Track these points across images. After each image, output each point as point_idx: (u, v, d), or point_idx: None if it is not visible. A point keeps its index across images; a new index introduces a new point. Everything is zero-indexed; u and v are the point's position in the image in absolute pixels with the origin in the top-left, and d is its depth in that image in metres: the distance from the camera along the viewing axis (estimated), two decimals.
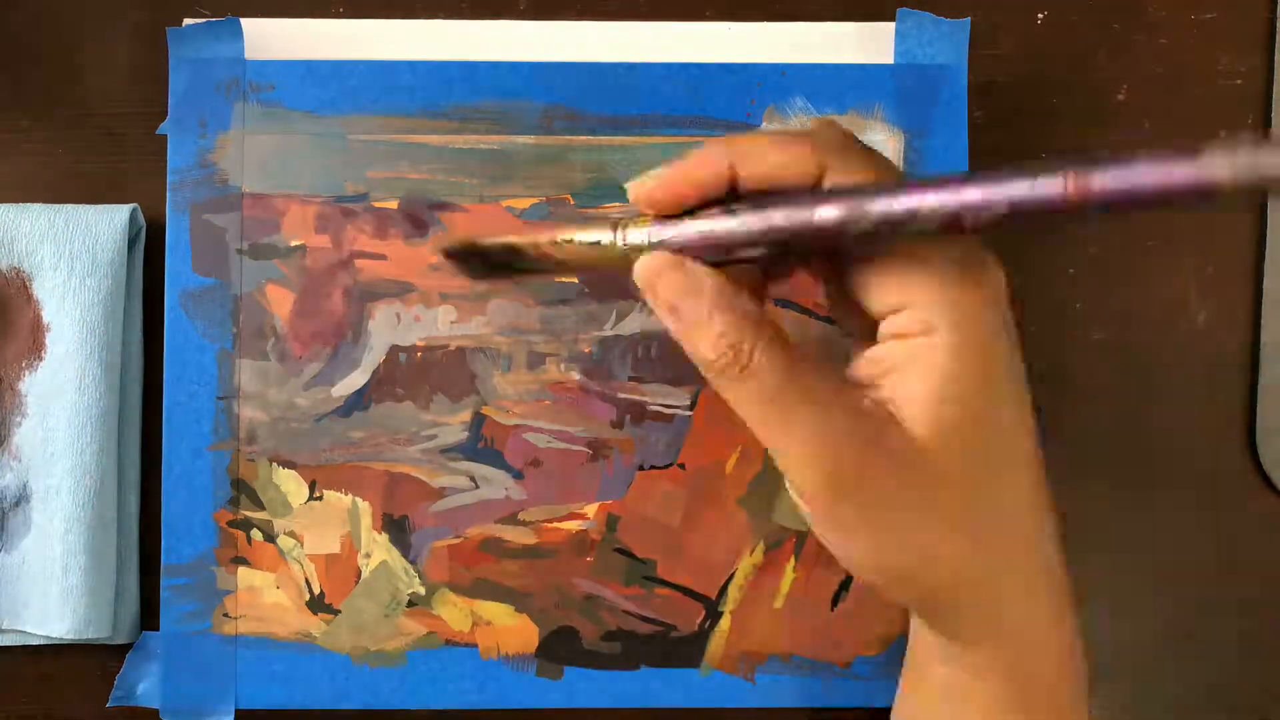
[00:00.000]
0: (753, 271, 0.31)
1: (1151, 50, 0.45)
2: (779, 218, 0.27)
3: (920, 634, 0.33)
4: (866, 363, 0.29)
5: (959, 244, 0.28)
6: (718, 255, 0.29)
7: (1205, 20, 0.45)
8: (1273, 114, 0.44)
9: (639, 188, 0.29)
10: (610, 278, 0.43)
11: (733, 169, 0.28)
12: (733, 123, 0.43)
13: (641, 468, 0.43)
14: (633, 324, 0.43)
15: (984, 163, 0.44)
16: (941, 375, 0.27)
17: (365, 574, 0.43)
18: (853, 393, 0.28)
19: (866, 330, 0.30)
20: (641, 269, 0.29)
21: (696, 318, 0.28)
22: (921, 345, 0.28)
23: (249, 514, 0.43)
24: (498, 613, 0.43)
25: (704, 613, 0.43)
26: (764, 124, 0.43)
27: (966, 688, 0.32)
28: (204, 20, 0.43)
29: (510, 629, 0.43)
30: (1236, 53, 0.45)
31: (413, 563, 0.43)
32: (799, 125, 0.30)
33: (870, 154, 0.29)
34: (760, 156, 0.28)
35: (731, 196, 0.29)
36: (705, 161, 0.28)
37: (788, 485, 0.30)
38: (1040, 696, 0.31)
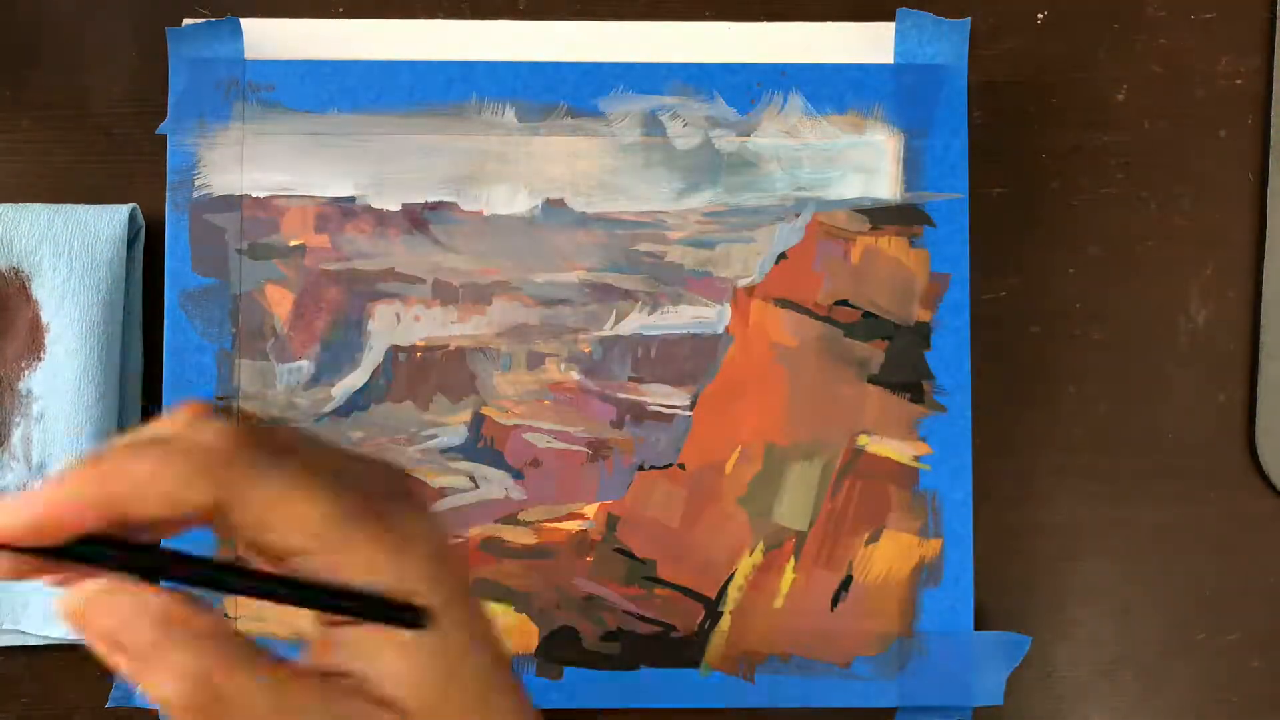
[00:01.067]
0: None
1: (1151, 50, 0.45)
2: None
3: None
4: (334, 647, 0.25)
5: (393, 518, 0.25)
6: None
7: (1205, 20, 0.45)
8: (1272, 114, 0.44)
9: None
10: (603, 285, 0.43)
11: (112, 511, 0.23)
12: (733, 122, 0.43)
13: (641, 468, 0.43)
14: (633, 324, 0.43)
15: (984, 163, 0.44)
16: (404, 649, 0.24)
17: None
18: (346, 693, 0.24)
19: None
20: (66, 603, 0.23)
21: (146, 652, 0.23)
22: (388, 635, 0.24)
23: None
24: (498, 612, 0.43)
25: (704, 613, 0.43)
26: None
27: None
28: (204, 20, 0.43)
29: (510, 629, 0.43)
30: (1236, 53, 0.45)
31: None
32: (195, 421, 0.24)
33: (280, 460, 0.24)
34: (145, 491, 0.23)
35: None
36: (72, 507, 0.23)
37: None
38: None
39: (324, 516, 0.24)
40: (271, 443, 0.24)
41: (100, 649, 0.23)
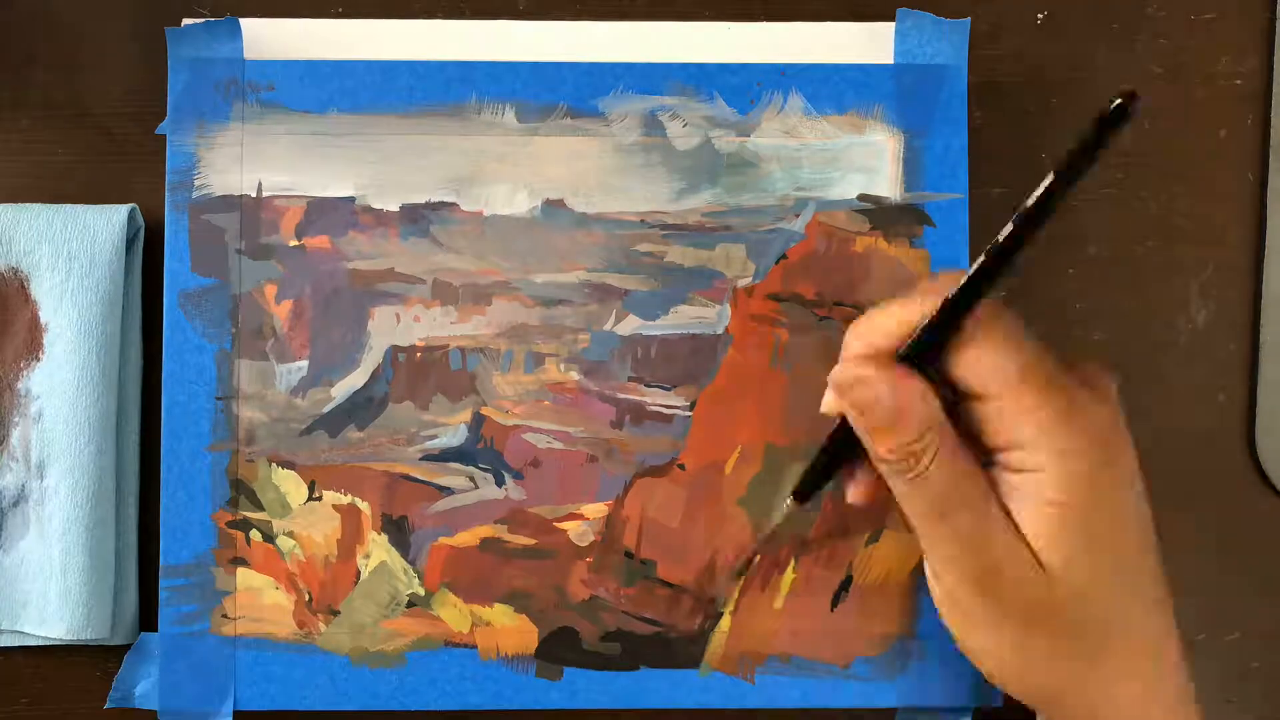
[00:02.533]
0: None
1: (1151, 50, 0.45)
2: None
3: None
4: (1003, 482, 0.32)
5: (1062, 391, 0.31)
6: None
7: (1205, 20, 0.45)
8: (1272, 114, 0.44)
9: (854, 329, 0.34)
10: (603, 285, 0.43)
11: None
12: (733, 122, 0.43)
13: (641, 468, 0.43)
14: (632, 324, 0.43)
15: (984, 163, 0.44)
16: (1051, 508, 0.31)
17: (364, 575, 0.43)
18: (1001, 506, 0.32)
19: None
20: (837, 375, 0.33)
21: (879, 423, 0.31)
22: (1032, 479, 0.31)
23: (248, 515, 0.43)
24: (497, 613, 0.43)
25: (704, 613, 0.43)
26: (762, 123, 0.43)
27: None
28: (203, 20, 0.43)
29: (510, 629, 0.43)
30: (1236, 53, 0.45)
31: (412, 563, 0.43)
32: None
33: (1006, 336, 0.32)
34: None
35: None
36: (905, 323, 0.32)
37: (927, 572, 0.34)
38: None
39: (1020, 370, 0.31)
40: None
41: (850, 413, 0.32)
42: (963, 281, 0.31)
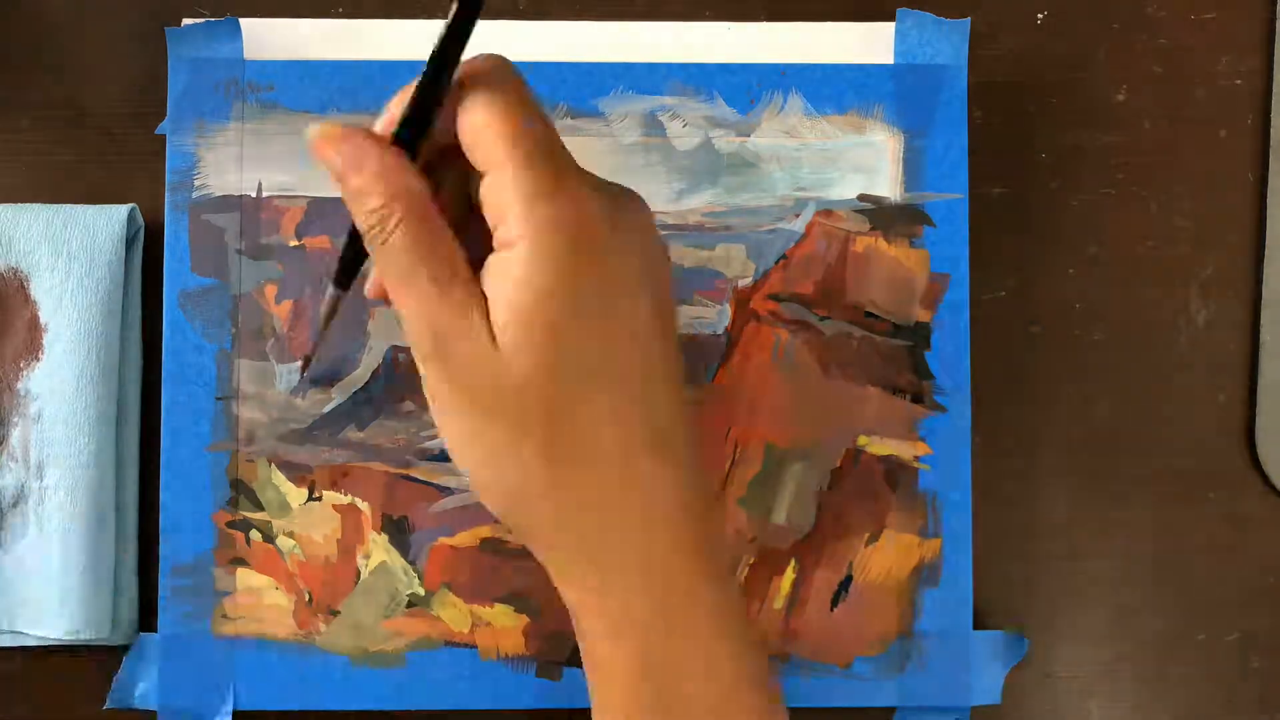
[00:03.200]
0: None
1: (1151, 50, 0.45)
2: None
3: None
4: (484, 267, 0.31)
5: (553, 169, 0.30)
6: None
7: (1205, 20, 0.45)
8: (1272, 114, 0.44)
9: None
10: None
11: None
12: (733, 122, 0.43)
13: None
14: None
15: (984, 163, 0.44)
16: (512, 284, 0.29)
17: (364, 575, 0.43)
18: (469, 282, 0.30)
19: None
20: (314, 134, 0.31)
21: (357, 187, 0.30)
22: (504, 257, 0.29)
23: (248, 515, 0.42)
24: (497, 613, 0.43)
25: None
26: (762, 121, 0.43)
27: (574, 616, 0.32)
28: (203, 20, 0.43)
29: (510, 629, 0.43)
30: (1236, 53, 0.45)
31: (412, 563, 0.43)
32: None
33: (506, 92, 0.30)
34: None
35: None
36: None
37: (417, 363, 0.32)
38: (635, 632, 0.31)
39: (510, 142, 0.29)
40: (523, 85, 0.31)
41: (331, 176, 0.30)
42: (424, 69, 0.31)
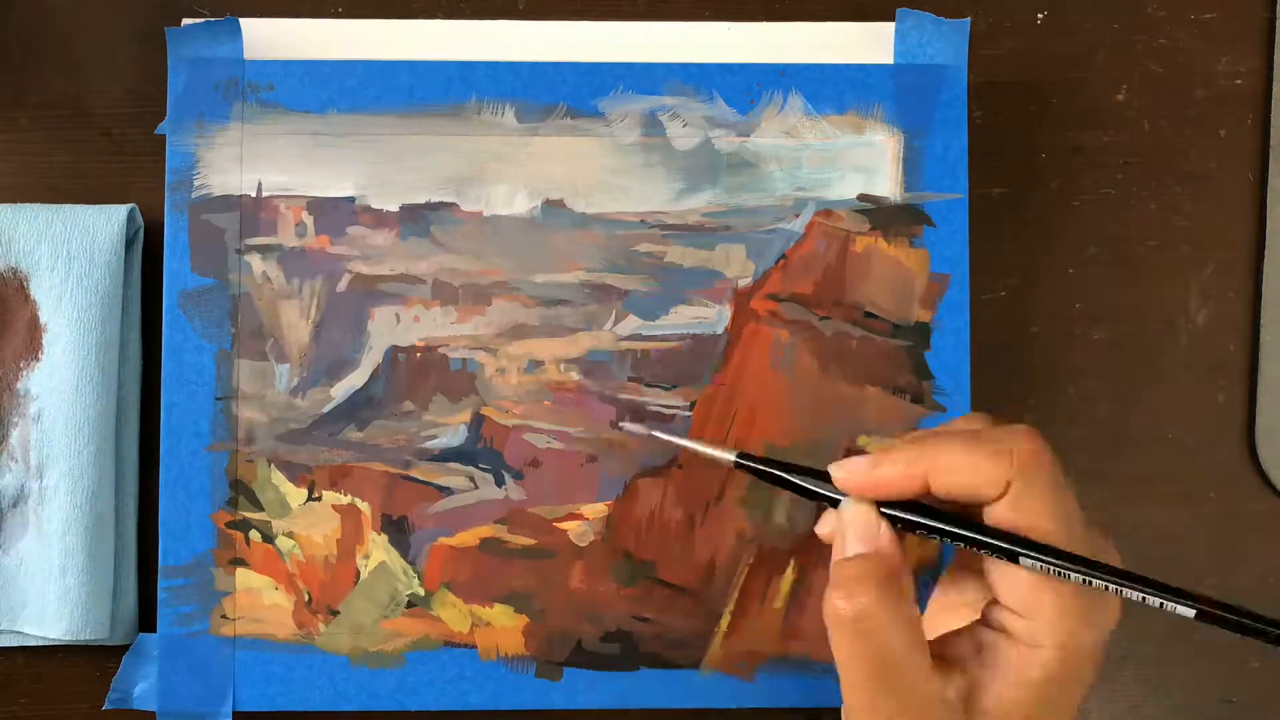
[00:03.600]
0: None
1: (1151, 50, 0.45)
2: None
3: None
4: (967, 636, 0.32)
5: (1091, 592, 0.31)
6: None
7: (1205, 20, 0.45)
8: (1272, 114, 0.44)
9: (844, 478, 0.34)
10: (602, 285, 0.43)
11: (927, 478, 0.32)
12: (733, 122, 0.43)
13: (641, 468, 0.43)
14: (632, 324, 0.43)
15: (984, 163, 0.44)
16: (1032, 690, 0.30)
17: (364, 575, 0.43)
18: (938, 680, 0.31)
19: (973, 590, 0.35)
20: (844, 514, 0.34)
21: (842, 579, 0.32)
22: (1022, 653, 0.31)
23: (247, 515, 0.42)
24: (497, 613, 0.43)
25: (704, 612, 0.43)
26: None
27: None
28: (203, 20, 0.43)
29: (509, 630, 0.43)
30: (1236, 53, 0.45)
31: (412, 563, 0.43)
32: (988, 425, 0.34)
33: (1055, 485, 0.32)
34: (955, 473, 0.31)
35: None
36: (905, 475, 0.32)
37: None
38: None
39: (1057, 533, 0.31)
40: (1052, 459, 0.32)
41: (835, 541, 0.34)
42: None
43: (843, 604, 0.32)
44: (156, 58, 0.43)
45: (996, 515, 0.31)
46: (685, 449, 0.40)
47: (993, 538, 0.32)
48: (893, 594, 0.32)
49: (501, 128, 0.43)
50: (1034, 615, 0.31)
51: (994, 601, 0.33)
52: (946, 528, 0.32)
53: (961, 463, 0.31)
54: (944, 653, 0.33)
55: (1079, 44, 0.45)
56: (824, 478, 0.35)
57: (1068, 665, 0.30)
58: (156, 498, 0.42)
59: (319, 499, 0.43)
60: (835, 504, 0.35)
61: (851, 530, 0.33)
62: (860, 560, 0.32)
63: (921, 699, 0.31)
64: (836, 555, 0.34)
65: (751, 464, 0.37)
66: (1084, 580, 0.30)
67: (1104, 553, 0.32)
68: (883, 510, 0.34)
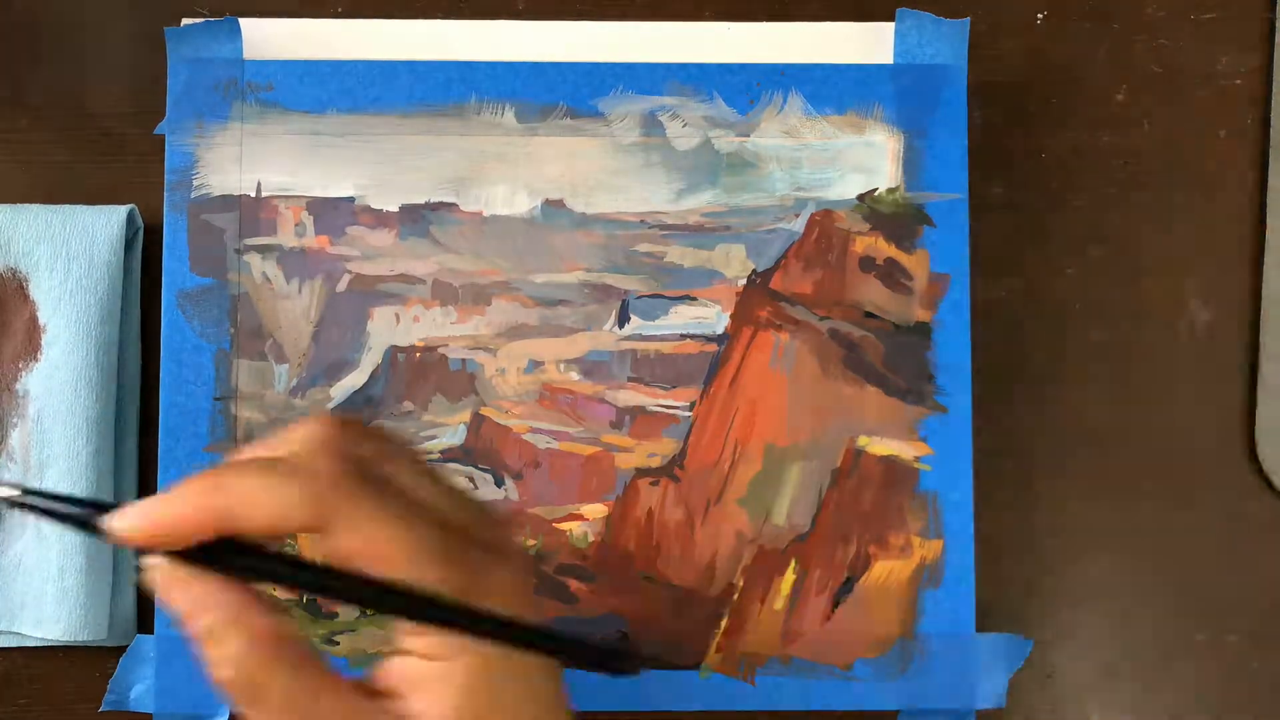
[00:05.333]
0: None
1: (1151, 50, 0.45)
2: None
3: None
4: (392, 672, 0.28)
5: (466, 564, 0.27)
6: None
7: (1205, 20, 0.45)
8: (1272, 114, 0.44)
9: (119, 526, 0.26)
10: (602, 285, 0.43)
11: (226, 516, 0.26)
12: (733, 122, 0.43)
13: (641, 469, 0.43)
14: (632, 324, 0.43)
15: (984, 163, 0.44)
16: (463, 694, 0.27)
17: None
18: (375, 712, 0.27)
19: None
20: (152, 579, 0.27)
21: (210, 635, 0.26)
22: (443, 667, 0.27)
23: None
24: None
25: (704, 613, 0.43)
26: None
27: None
28: (202, 20, 0.43)
29: None
30: (1236, 53, 0.45)
31: None
32: (309, 443, 0.27)
33: (379, 496, 0.27)
34: (256, 506, 0.26)
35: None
36: (193, 514, 0.26)
37: None
38: None
39: (408, 557, 0.26)
40: (376, 474, 0.27)
41: (171, 616, 0.27)
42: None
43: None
44: (156, 58, 0.43)
45: (332, 550, 0.26)
46: None
47: (340, 575, 0.27)
48: (277, 668, 0.27)
49: (501, 128, 0.43)
50: (406, 689, 0.27)
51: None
52: (276, 567, 0.27)
53: (259, 489, 0.26)
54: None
55: (1079, 44, 0.45)
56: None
57: (478, 663, 0.27)
58: None
59: None
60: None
61: (178, 599, 0.26)
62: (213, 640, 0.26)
63: None
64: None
65: (29, 501, 0.28)
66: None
67: (483, 569, 0.28)
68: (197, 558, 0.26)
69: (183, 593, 0.26)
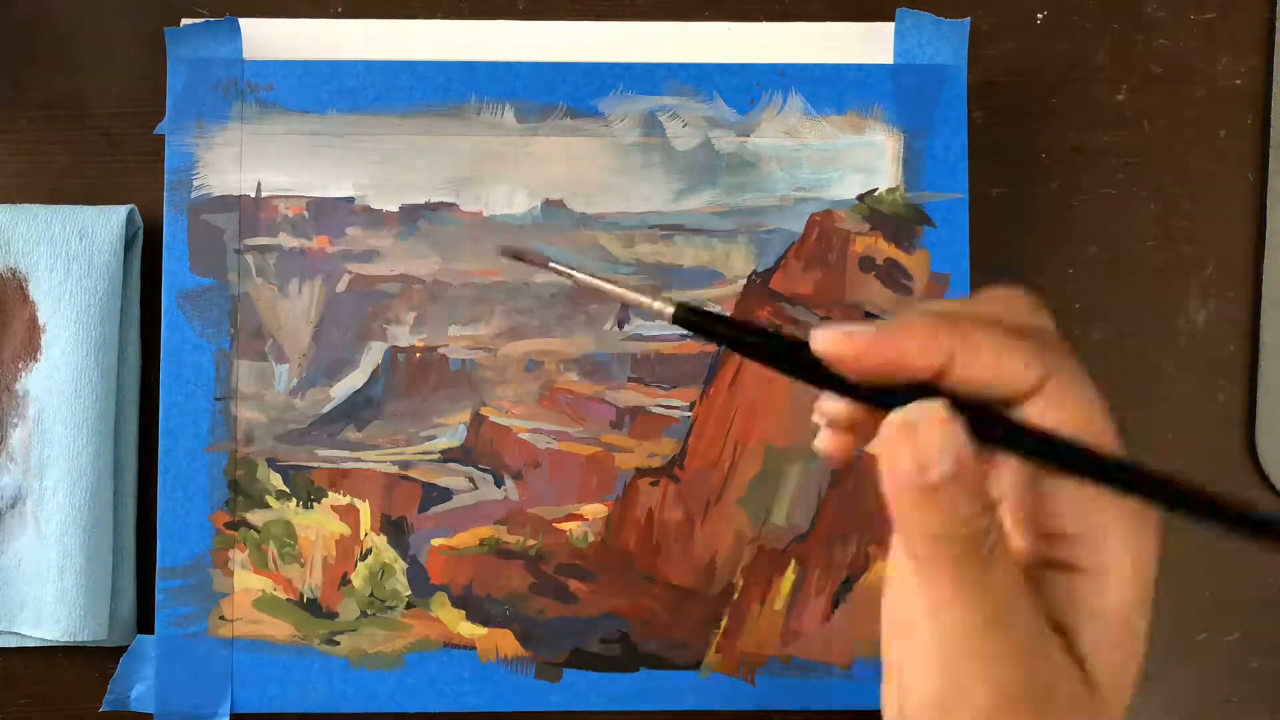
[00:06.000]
0: None
1: (1151, 50, 0.45)
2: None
3: None
4: (1046, 581, 0.26)
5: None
6: None
7: (1205, 20, 0.45)
8: (1272, 114, 0.44)
9: (830, 341, 0.24)
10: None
11: (951, 359, 0.24)
12: (732, 122, 0.43)
13: (640, 469, 0.43)
14: (632, 325, 0.43)
15: (984, 163, 0.44)
16: (1109, 621, 0.25)
17: (363, 576, 0.42)
18: (1046, 614, 0.26)
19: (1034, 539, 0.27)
20: (903, 414, 0.24)
21: (945, 485, 0.24)
22: (1089, 583, 0.25)
23: (246, 515, 0.42)
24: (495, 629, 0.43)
25: (704, 613, 0.43)
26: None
27: None
28: (202, 20, 0.43)
29: (509, 631, 0.43)
30: (1236, 53, 0.45)
31: (411, 564, 0.43)
32: (1016, 301, 0.26)
33: (1080, 376, 0.25)
34: (982, 358, 0.24)
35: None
36: (924, 349, 0.24)
37: (890, 694, 0.27)
38: None
39: (1111, 430, 0.25)
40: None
41: (896, 462, 0.24)
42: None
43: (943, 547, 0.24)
44: (156, 58, 0.43)
45: (1030, 416, 0.25)
46: (611, 294, 0.29)
47: (1065, 447, 0.24)
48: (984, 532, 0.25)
49: (501, 128, 0.43)
50: (1087, 532, 0.25)
51: (1047, 535, 0.26)
52: (1028, 440, 0.25)
53: (988, 338, 0.24)
54: None
55: (1079, 44, 0.45)
56: (800, 347, 0.25)
57: (1143, 585, 0.25)
58: (155, 498, 0.42)
59: (318, 500, 0.42)
60: (845, 390, 0.25)
61: (927, 438, 0.24)
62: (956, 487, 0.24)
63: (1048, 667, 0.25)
64: (900, 475, 0.25)
65: (696, 318, 0.26)
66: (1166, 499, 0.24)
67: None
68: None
69: (938, 433, 0.24)
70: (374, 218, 0.43)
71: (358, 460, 0.43)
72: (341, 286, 0.43)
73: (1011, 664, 0.24)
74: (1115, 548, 0.25)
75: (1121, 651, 0.25)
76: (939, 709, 0.25)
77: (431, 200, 0.43)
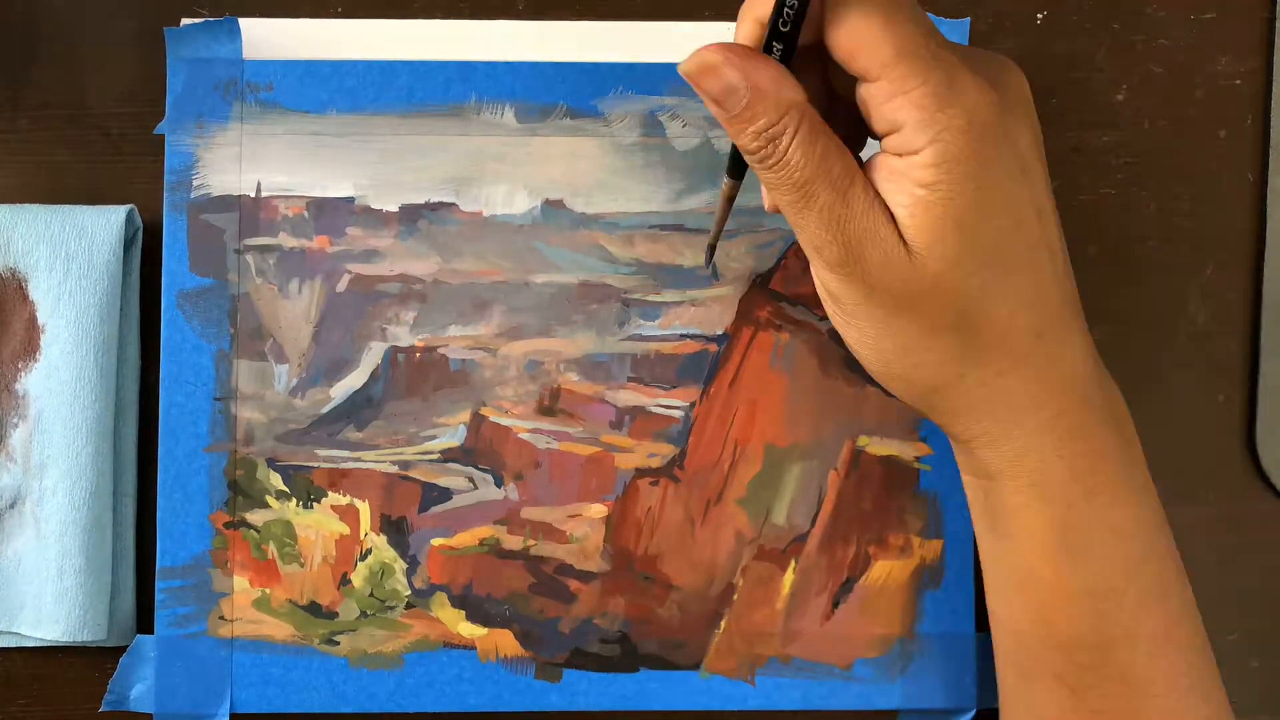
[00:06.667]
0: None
1: (1151, 50, 0.45)
2: None
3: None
4: (871, 169, 0.31)
5: (942, 69, 0.30)
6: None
7: (1205, 20, 0.45)
8: (1272, 114, 0.45)
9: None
10: (602, 285, 0.43)
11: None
12: None
13: (640, 469, 0.43)
14: (632, 325, 0.43)
15: None
16: (918, 189, 0.30)
17: (363, 576, 0.42)
18: (867, 186, 0.31)
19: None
20: (689, 63, 0.31)
21: (737, 111, 0.30)
22: (905, 162, 0.30)
23: (246, 515, 0.42)
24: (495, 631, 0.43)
25: (704, 613, 0.43)
26: None
27: (983, 489, 0.34)
28: (202, 20, 0.43)
29: (508, 631, 0.43)
30: (1236, 53, 0.45)
31: (411, 564, 0.43)
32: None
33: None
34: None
35: None
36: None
37: (813, 269, 0.33)
38: (1055, 495, 0.33)
39: (896, 47, 0.29)
40: None
41: (706, 103, 0.31)
42: None
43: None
44: (156, 58, 0.43)
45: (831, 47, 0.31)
46: None
47: None
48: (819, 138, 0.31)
49: (501, 128, 0.43)
50: (901, 121, 0.30)
51: (879, 137, 0.32)
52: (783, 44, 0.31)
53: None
54: None
55: (1079, 44, 0.45)
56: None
57: (947, 155, 0.29)
58: (154, 498, 0.42)
59: (318, 500, 0.42)
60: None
61: (709, 85, 0.31)
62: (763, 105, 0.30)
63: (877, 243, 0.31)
64: (721, 118, 0.31)
65: None
66: None
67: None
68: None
69: (720, 74, 0.30)
70: (374, 218, 0.43)
71: (357, 460, 0.43)
72: (341, 286, 0.43)
73: (822, 230, 0.31)
74: (917, 129, 0.29)
75: (927, 216, 0.30)
76: (816, 279, 0.33)
77: (431, 200, 0.43)
